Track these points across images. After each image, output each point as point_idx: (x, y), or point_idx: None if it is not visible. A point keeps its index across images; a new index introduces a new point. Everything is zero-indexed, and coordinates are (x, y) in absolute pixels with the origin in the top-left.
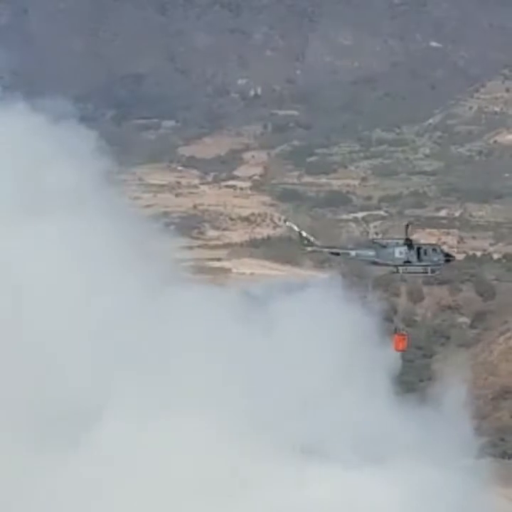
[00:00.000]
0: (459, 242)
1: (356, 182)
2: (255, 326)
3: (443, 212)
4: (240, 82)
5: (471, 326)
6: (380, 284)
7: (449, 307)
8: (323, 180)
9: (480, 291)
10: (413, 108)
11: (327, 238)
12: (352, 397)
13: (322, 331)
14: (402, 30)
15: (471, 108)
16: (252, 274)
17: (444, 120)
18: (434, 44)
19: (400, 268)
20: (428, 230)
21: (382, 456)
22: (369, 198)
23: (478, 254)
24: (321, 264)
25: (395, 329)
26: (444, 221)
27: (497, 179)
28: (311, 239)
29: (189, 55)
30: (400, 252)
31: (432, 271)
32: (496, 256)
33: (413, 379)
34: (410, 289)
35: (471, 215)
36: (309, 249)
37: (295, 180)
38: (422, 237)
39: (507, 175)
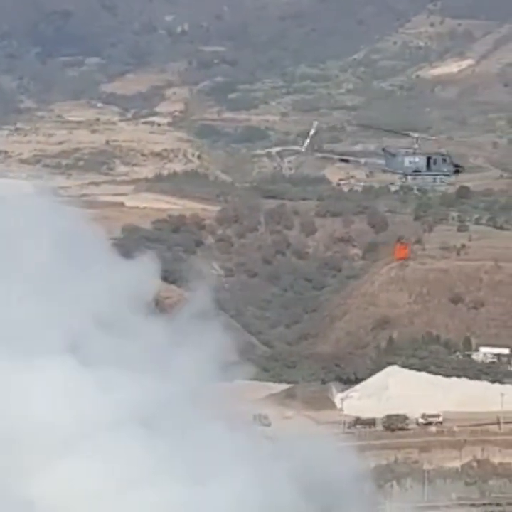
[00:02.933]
0: (367, 176)
1: (276, 118)
2: None
3: (359, 147)
4: (167, 18)
5: (363, 258)
6: (273, 217)
7: (342, 239)
8: (244, 116)
9: (372, 223)
10: (339, 44)
11: (240, 173)
12: None
13: None
14: None
15: (395, 43)
16: (144, 207)
17: (368, 55)
18: None
19: (408, 177)
20: (337, 164)
21: None
22: (287, 133)
23: (376, 186)
24: (216, 197)
25: (398, 238)
26: (358, 155)
27: (417, 113)
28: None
29: None
30: (409, 161)
31: (441, 181)
32: (393, 188)
33: (299, 311)
34: (303, 222)
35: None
36: (319, 155)
37: (215, 116)
38: (331, 170)
39: (427, 109)
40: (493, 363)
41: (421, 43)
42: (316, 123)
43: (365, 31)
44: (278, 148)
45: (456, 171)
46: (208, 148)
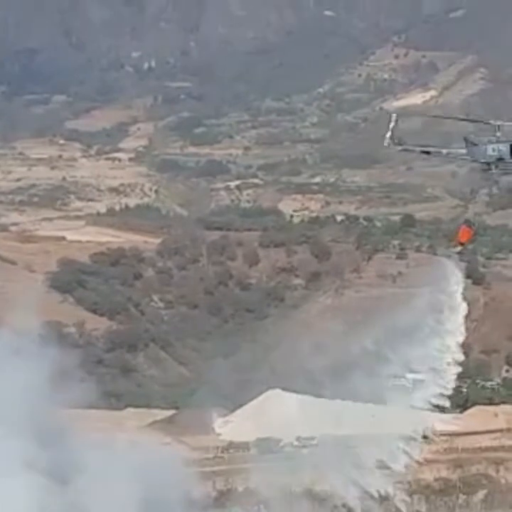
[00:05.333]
0: (322, 207)
1: (239, 151)
2: None
3: (317, 179)
4: (134, 54)
5: (306, 287)
6: (215, 248)
7: (284, 269)
8: (207, 150)
9: (315, 253)
10: (305, 77)
11: (198, 206)
12: None
13: None
14: None
15: (360, 76)
16: (86, 241)
17: (333, 88)
18: (327, 13)
19: (492, 166)
20: (293, 196)
21: None
22: (249, 166)
23: (322, 216)
24: (160, 229)
25: (465, 220)
26: (315, 187)
27: (379, 145)
28: (400, 138)
29: (84, 29)
30: (492, 149)
31: None
32: (339, 218)
33: (238, 341)
34: (246, 252)
35: (343, 181)
36: (399, 148)
37: (178, 151)
38: (286, 203)
39: None
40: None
41: (385, 75)
42: (395, 115)
43: (331, 64)
44: (237, 182)
45: None
46: (168, 183)
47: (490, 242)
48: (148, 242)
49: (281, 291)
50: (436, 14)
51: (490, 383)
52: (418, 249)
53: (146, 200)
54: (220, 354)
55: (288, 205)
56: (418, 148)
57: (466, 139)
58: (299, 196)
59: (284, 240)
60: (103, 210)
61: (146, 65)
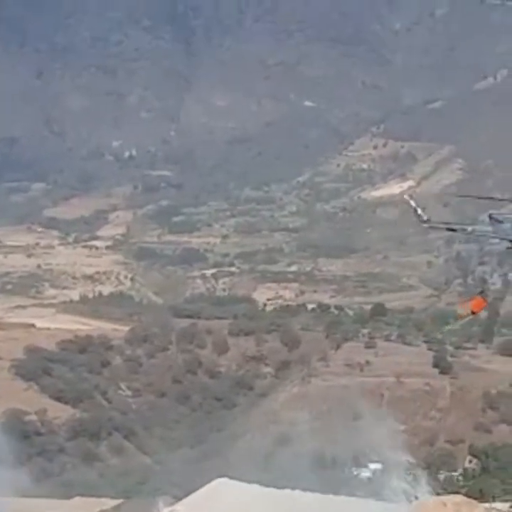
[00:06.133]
0: (296, 296)
1: (217, 240)
2: None
3: (293, 267)
4: (114, 143)
5: (275, 376)
6: (185, 336)
7: (254, 358)
8: (185, 238)
9: (285, 341)
10: (284, 167)
11: (173, 294)
12: None
13: None
14: (277, 90)
15: (339, 165)
16: (55, 329)
17: (312, 178)
18: (308, 103)
19: None
20: (267, 285)
21: None
22: (226, 255)
23: (293, 304)
24: (130, 317)
25: (481, 291)
26: (290, 275)
27: (357, 234)
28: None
29: (65, 118)
30: None
31: None
32: (310, 307)
33: (206, 431)
34: (215, 340)
35: (319, 270)
36: (426, 225)
37: (155, 239)
38: (261, 291)
39: (368, 230)
40: (369, 478)
41: (364, 165)
42: (408, 196)
43: (310, 154)
44: (214, 270)
45: None
46: (144, 271)
47: (460, 331)
48: (117, 330)
49: (250, 380)
50: (415, 105)
51: (452, 474)
52: (387, 338)
53: (120, 288)
54: (187, 443)
55: (262, 294)
56: (443, 226)
57: (491, 217)
58: (273, 285)
59: (254, 328)
60: (76, 298)
61: (126, 154)
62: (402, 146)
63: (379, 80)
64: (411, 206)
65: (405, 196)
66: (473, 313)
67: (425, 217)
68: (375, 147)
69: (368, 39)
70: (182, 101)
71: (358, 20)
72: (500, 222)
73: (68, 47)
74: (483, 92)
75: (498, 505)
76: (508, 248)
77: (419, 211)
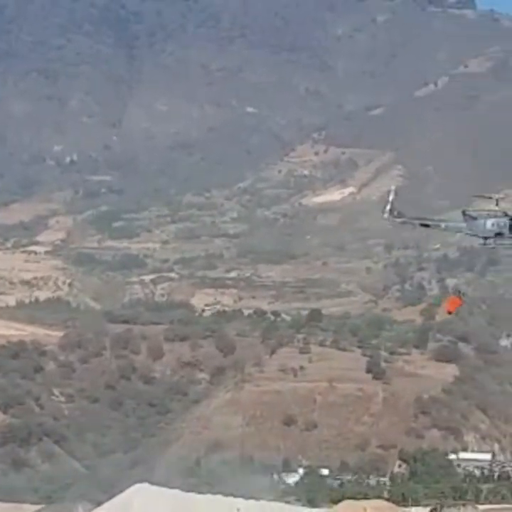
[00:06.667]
0: (235, 301)
1: (157, 245)
2: None
3: (233, 273)
4: (56, 148)
5: (210, 382)
6: (119, 342)
7: (189, 363)
8: (125, 244)
9: (220, 347)
10: (226, 173)
11: (111, 300)
12: None
13: None
14: (219, 96)
15: (280, 172)
16: None
17: (253, 184)
18: (250, 109)
19: (489, 240)
20: (206, 290)
21: None
22: (165, 260)
23: (230, 310)
24: (64, 322)
25: (457, 291)
26: (230, 281)
27: (297, 241)
28: (401, 212)
29: (5, 123)
30: (491, 224)
31: None
32: (246, 312)
33: (138, 436)
34: (150, 346)
35: (259, 276)
36: (399, 220)
37: (95, 245)
38: (199, 297)
39: (308, 236)
40: (297, 483)
41: (305, 172)
42: (394, 187)
43: (252, 160)
44: (153, 276)
45: None
46: (83, 276)
47: (395, 337)
48: (51, 336)
49: (185, 386)
50: (356, 111)
51: (380, 478)
52: (322, 344)
53: (58, 293)
54: (119, 449)
55: (201, 300)
56: (417, 221)
57: (464, 213)
58: (212, 290)
59: (190, 333)
60: (13, 304)
61: (68, 159)
62: (343, 153)
63: (321, 86)
64: (387, 200)
65: (392, 187)
66: (449, 312)
67: (396, 213)
68: (317, 153)
69: (310, 45)
70: (124, 106)
71: (300, 27)
72: (474, 218)
73: (10, 51)
74: (424, 99)
75: (419, 509)
76: (480, 244)
77: (390, 206)
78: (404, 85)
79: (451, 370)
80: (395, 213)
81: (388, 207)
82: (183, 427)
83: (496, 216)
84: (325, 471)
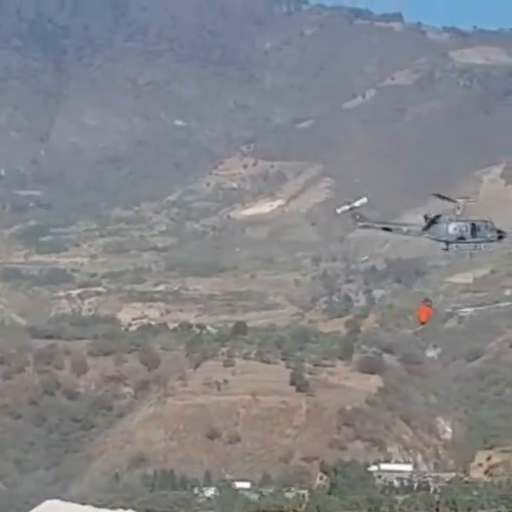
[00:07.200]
0: (162, 315)
1: (85, 260)
2: None
3: (161, 287)
4: None
5: (134, 396)
6: (42, 357)
7: (113, 378)
8: (52, 258)
9: (145, 361)
10: (155, 186)
11: (38, 315)
12: None
13: None
14: (147, 109)
15: (209, 185)
16: None
17: (182, 197)
18: (178, 123)
19: (451, 244)
20: (133, 304)
21: None
22: (93, 275)
23: (155, 324)
24: None
25: (424, 299)
26: (157, 295)
27: (226, 253)
28: (362, 216)
29: None
30: (453, 228)
31: (485, 247)
32: (172, 326)
33: (62, 452)
34: (74, 361)
35: (186, 289)
36: (361, 224)
37: (22, 260)
38: (126, 312)
39: (237, 249)
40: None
41: (234, 185)
42: (365, 198)
43: (181, 173)
44: (80, 290)
45: (500, 237)
46: (9, 291)
47: (320, 348)
48: None
49: (109, 400)
50: (285, 124)
51: (300, 491)
52: (246, 357)
53: None
54: (42, 465)
55: (128, 314)
56: (379, 225)
57: (426, 217)
58: (139, 304)
59: (115, 348)
60: None
61: None
62: (272, 166)
63: (249, 100)
64: (350, 205)
65: (363, 198)
66: (422, 323)
67: (359, 217)
68: (245, 166)
69: (238, 59)
70: (52, 120)
71: (228, 40)
72: (436, 223)
73: None
74: (351, 111)
75: None
76: (443, 249)
77: (347, 207)
78: (332, 98)
79: (375, 381)
80: (357, 217)
81: (347, 208)
82: (107, 441)
83: (457, 220)
84: (246, 484)
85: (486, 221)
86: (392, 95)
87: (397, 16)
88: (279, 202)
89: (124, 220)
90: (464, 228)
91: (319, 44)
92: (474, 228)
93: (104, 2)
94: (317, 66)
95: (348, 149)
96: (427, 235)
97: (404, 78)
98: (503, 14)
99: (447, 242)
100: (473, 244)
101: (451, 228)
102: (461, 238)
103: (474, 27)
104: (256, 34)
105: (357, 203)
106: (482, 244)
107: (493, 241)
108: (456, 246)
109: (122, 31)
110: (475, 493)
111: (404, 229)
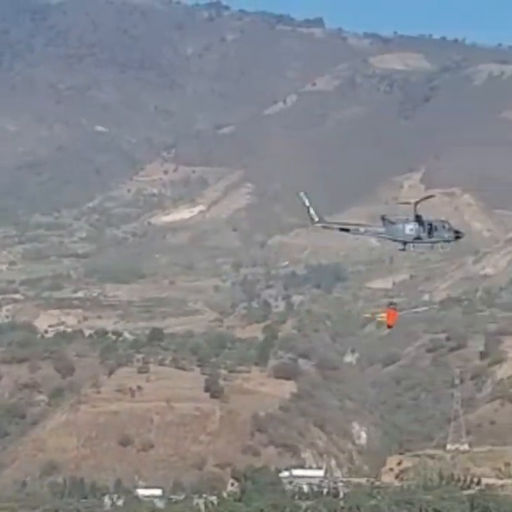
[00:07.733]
0: (79, 322)
1: (4, 266)
2: None
3: (79, 293)
4: None
5: (49, 404)
6: None
7: (27, 385)
8: None
9: (59, 368)
10: (75, 192)
11: None
12: None
13: None
14: (68, 114)
15: (129, 191)
16: None
17: (102, 203)
18: (99, 128)
19: (409, 244)
20: (50, 311)
21: None
22: (11, 281)
23: (70, 331)
24: None
25: (390, 303)
26: (76, 302)
27: (146, 260)
28: (320, 216)
29: None
30: (410, 229)
31: (441, 247)
32: (88, 332)
33: None
34: None
35: (105, 296)
36: (319, 225)
37: None
38: (43, 319)
39: (157, 255)
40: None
41: (155, 190)
42: (303, 192)
43: (101, 179)
44: None
45: (457, 237)
46: None
47: (236, 354)
48: None
49: (23, 408)
50: (206, 130)
51: (210, 498)
52: (161, 363)
53: None
54: None
55: (45, 321)
56: (337, 226)
57: (383, 218)
58: (57, 311)
59: (29, 355)
60: None
61: None
62: (194, 171)
63: (170, 105)
64: (304, 205)
65: (301, 193)
66: (389, 327)
67: (316, 218)
68: (166, 172)
69: (159, 64)
70: None
71: (149, 45)
72: (393, 223)
73: None
74: (273, 117)
75: None
76: (400, 249)
77: (311, 211)
78: (254, 103)
79: (289, 387)
80: (316, 219)
81: (311, 212)
82: (19, 450)
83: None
84: (157, 492)
85: (443, 221)
86: (313, 101)
87: (319, 22)
88: (200, 207)
89: (43, 226)
90: (420, 229)
91: (240, 50)
92: (431, 228)
93: (24, 6)
94: (238, 72)
95: (269, 155)
96: (384, 236)
97: (326, 84)
98: (423, 20)
99: (404, 243)
100: (430, 245)
101: (408, 229)
102: (417, 238)
103: (395, 33)
104: (177, 39)
105: (306, 202)
106: (439, 244)
107: (450, 241)
108: (413, 246)
109: (42, 36)
110: (378, 497)
111: (362, 229)
